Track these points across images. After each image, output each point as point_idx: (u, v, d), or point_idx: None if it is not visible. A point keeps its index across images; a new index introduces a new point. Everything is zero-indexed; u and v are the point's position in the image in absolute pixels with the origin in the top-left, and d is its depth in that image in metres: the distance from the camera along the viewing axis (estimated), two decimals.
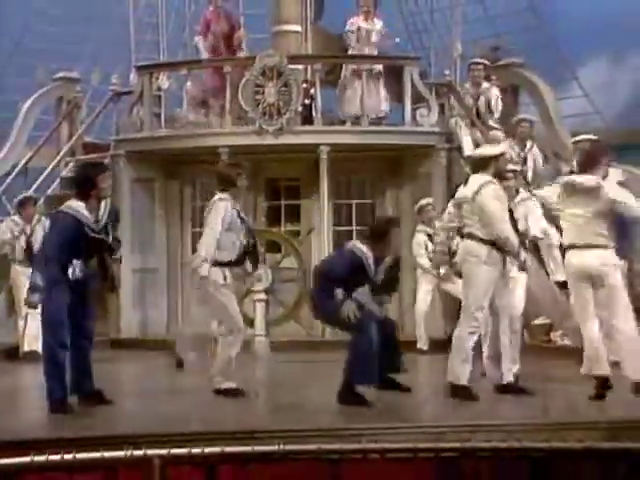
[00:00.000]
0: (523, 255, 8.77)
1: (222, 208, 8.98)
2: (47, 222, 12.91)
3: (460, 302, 9.09)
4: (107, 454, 6.17)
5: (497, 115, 14.42)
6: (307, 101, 13.90)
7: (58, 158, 15.50)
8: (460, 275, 9.04)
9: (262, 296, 12.77)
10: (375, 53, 14.75)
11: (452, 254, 9.79)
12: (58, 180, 15.45)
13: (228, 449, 6.29)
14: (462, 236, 8.77)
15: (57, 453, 6.12)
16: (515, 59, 15.83)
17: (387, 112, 14.42)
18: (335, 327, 9.06)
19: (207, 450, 6.25)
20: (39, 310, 12.69)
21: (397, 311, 12.71)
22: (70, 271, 8.10)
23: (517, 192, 9.68)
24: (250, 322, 12.06)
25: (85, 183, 8.34)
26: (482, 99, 14.56)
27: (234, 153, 13.34)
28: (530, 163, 13.67)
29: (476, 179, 8.70)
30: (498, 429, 7.13)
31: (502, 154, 8.82)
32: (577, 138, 12.62)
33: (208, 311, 9.20)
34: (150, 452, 6.18)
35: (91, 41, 18.28)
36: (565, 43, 17.79)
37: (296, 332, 13.52)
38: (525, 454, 6.46)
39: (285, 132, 13.60)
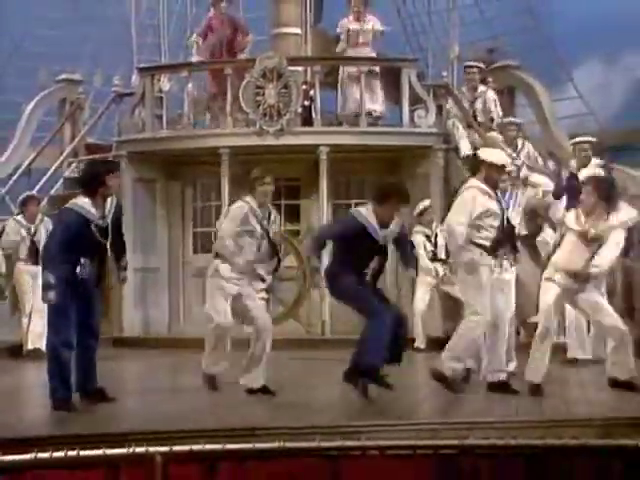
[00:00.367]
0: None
1: (238, 210, 8.95)
2: (50, 222, 13.02)
3: (459, 302, 9.09)
4: (109, 451, 6.17)
5: (498, 119, 14.39)
6: (307, 102, 13.93)
7: (61, 159, 15.51)
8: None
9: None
10: (368, 52, 14.73)
11: (448, 255, 9.79)
12: (61, 180, 15.48)
13: (229, 446, 6.29)
14: None
15: (60, 450, 6.12)
16: (511, 61, 15.84)
17: (382, 112, 14.41)
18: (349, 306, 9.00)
19: (208, 447, 6.25)
20: (45, 309, 12.73)
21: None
22: (78, 270, 8.06)
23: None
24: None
25: (93, 180, 8.28)
26: (479, 102, 14.56)
27: (235, 154, 13.37)
28: (523, 160, 13.68)
29: (466, 184, 8.79)
30: (494, 426, 7.14)
31: (499, 165, 8.73)
32: (576, 140, 12.63)
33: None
34: (152, 449, 6.18)
35: (91, 42, 18.26)
36: (560, 44, 17.78)
37: (295, 330, 13.53)
38: (521, 451, 6.47)
39: (285, 133, 13.62)
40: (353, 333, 8.87)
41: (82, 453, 6.12)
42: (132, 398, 9.04)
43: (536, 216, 12.48)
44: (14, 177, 15.22)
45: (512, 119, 14.13)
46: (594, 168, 11.68)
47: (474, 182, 8.76)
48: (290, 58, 14.11)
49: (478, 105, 14.54)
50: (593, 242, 8.65)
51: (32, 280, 12.67)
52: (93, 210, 8.16)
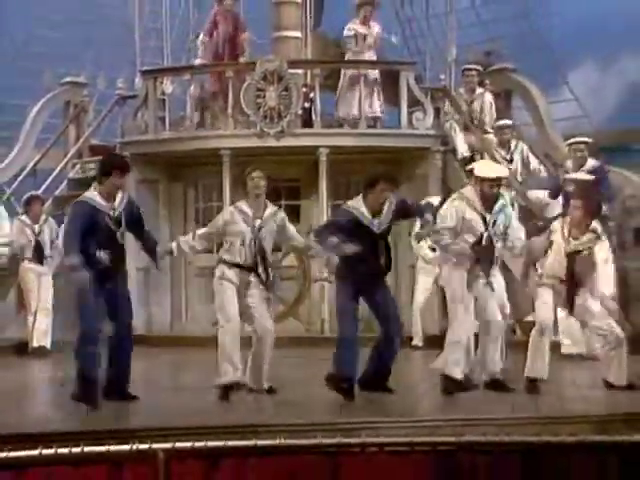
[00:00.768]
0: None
1: (225, 210, 8.95)
2: (54, 222, 13.02)
3: None
4: (113, 448, 6.16)
5: (490, 120, 14.39)
6: (307, 104, 13.91)
7: (65, 160, 15.50)
8: None
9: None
10: (373, 57, 14.74)
11: None
12: (66, 181, 15.46)
13: (230, 443, 6.29)
14: None
15: (65, 447, 6.11)
16: (508, 64, 15.83)
17: (381, 114, 14.39)
18: None
19: (210, 444, 6.25)
20: (49, 306, 12.76)
21: None
22: (95, 261, 8.11)
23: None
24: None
25: (102, 168, 8.43)
26: (476, 104, 14.55)
27: (236, 155, 13.35)
28: (517, 161, 13.68)
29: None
30: (491, 423, 7.13)
31: (492, 179, 8.68)
32: (571, 140, 12.63)
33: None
34: (155, 446, 6.18)
35: (95, 45, 18.25)
36: (557, 46, 17.76)
37: (296, 329, 13.52)
38: (517, 447, 6.46)
39: (285, 135, 13.61)
40: None
41: (86, 450, 6.12)
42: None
43: (532, 217, 12.48)
44: (20, 178, 15.21)
45: (506, 122, 14.12)
46: (586, 175, 11.69)
47: (465, 190, 8.78)
48: (290, 61, 14.11)
49: (475, 107, 14.53)
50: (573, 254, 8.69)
51: (37, 279, 12.70)
52: (102, 201, 8.25)
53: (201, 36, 15.20)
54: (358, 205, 8.61)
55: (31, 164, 15.31)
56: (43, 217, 13.00)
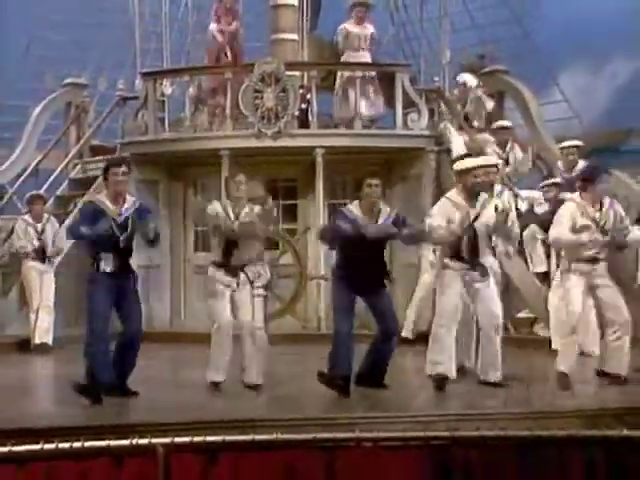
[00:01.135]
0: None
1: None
2: (56, 221, 13.01)
3: None
4: (113, 443, 6.16)
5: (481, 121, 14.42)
6: (304, 106, 13.91)
7: (67, 160, 15.47)
8: None
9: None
10: (367, 57, 14.72)
11: None
12: (67, 181, 15.45)
13: (228, 438, 6.29)
14: None
15: (66, 441, 6.11)
16: (500, 66, 15.83)
17: (377, 115, 14.39)
18: None
19: (209, 439, 6.25)
20: (51, 304, 12.75)
21: None
22: (101, 264, 8.16)
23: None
24: None
25: (103, 171, 8.59)
26: (470, 105, 14.55)
27: (234, 155, 13.33)
28: (512, 160, 13.70)
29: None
30: (484, 418, 7.14)
31: (470, 168, 8.61)
32: (563, 144, 12.67)
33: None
34: (154, 441, 6.18)
35: (96, 47, 18.22)
36: (548, 48, 17.75)
37: (292, 326, 13.52)
38: (510, 442, 6.47)
39: (283, 135, 13.59)
40: None
41: (87, 444, 6.12)
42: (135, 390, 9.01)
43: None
44: (22, 178, 15.19)
45: (504, 123, 14.13)
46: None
47: (450, 194, 8.74)
48: (288, 63, 14.10)
49: (469, 108, 14.53)
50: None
51: (39, 277, 12.68)
52: (107, 202, 8.33)
53: (210, 26, 15.14)
54: (352, 208, 8.70)
55: (33, 164, 15.28)
56: (45, 216, 12.99)
